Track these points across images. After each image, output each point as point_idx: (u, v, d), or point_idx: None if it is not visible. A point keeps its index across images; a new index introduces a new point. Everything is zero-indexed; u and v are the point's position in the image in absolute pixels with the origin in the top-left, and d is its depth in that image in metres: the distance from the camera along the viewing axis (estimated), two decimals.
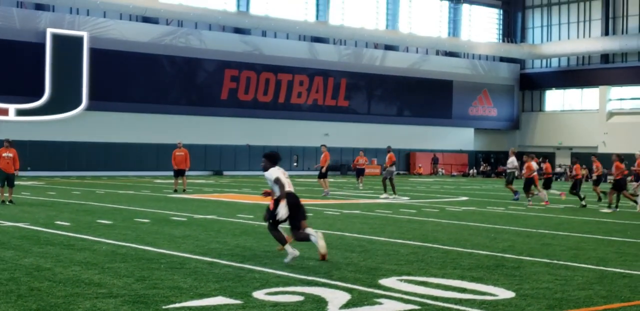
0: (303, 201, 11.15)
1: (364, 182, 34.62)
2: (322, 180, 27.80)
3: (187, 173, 28.88)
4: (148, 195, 26.49)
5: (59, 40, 43.70)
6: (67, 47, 43.87)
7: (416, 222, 17.58)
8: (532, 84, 64.13)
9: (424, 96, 58.81)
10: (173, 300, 7.77)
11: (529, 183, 24.32)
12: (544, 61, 63.95)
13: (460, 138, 61.63)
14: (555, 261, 11.13)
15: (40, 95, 43.36)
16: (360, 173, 34.18)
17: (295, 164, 51.87)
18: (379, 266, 10.35)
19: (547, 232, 15.69)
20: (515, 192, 26.24)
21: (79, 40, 44.35)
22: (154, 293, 8.08)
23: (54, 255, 10.88)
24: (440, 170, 59.22)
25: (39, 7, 44.59)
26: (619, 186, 22.09)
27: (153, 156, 46.16)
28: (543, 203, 24.17)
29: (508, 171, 27.51)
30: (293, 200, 10.63)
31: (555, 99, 63.86)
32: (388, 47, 57.76)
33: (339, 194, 27.81)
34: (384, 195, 26.80)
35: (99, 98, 44.71)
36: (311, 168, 49.00)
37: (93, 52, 44.57)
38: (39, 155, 42.55)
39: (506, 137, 64.83)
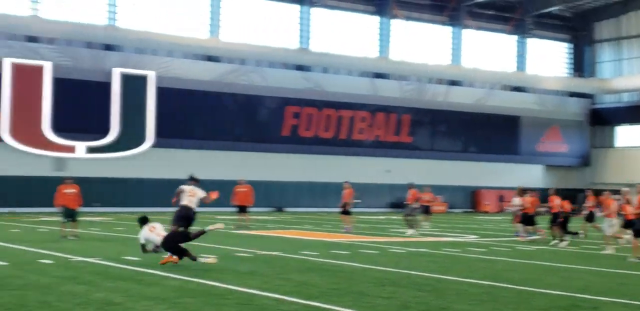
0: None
1: (431, 220, 33.96)
2: (345, 216, 27.49)
3: (248, 209, 28.99)
4: (213, 231, 26.58)
5: (126, 79, 44.85)
6: (134, 85, 44.98)
7: (486, 260, 17.23)
8: (602, 120, 62.77)
9: (490, 132, 58.16)
10: None
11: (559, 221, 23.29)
12: (615, 96, 62.69)
13: (529, 175, 60.37)
14: (634, 302, 10.74)
15: (108, 132, 44.40)
16: (425, 210, 33.38)
17: (357, 201, 51.53)
18: (450, 306, 10.14)
19: (621, 271, 15.20)
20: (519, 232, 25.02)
21: (145, 79, 45.46)
22: None
23: (124, 290, 11.02)
24: (509, 208, 57.93)
25: (108, 47, 45.91)
26: None
27: (225, 192, 46.44)
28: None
29: (513, 210, 26.52)
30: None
31: (627, 135, 62.34)
32: (452, 82, 57.54)
33: (401, 232, 27.49)
34: (410, 232, 26.35)
35: (164, 136, 45.54)
36: (372, 205, 48.69)
37: (159, 90, 45.58)
38: (106, 191, 43.35)
39: (577, 174, 63.29)
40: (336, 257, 16.70)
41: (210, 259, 14.93)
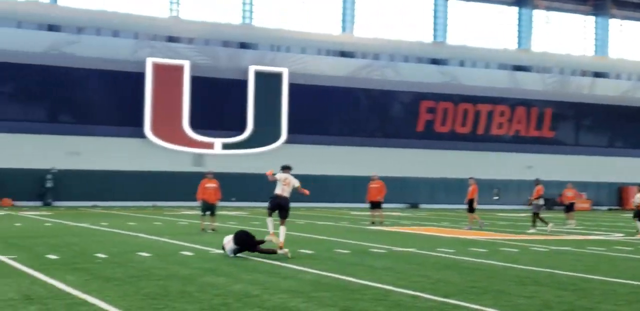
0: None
1: (574, 218, 32.50)
2: (471, 214, 26.53)
3: (382, 205, 28.74)
4: (347, 226, 26.65)
5: (261, 76, 45.74)
6: (268, 83, 45.80)
7: (634, 259, 16.25)
8: None
9: (638, 125, 55.28)
10: None
11: None
12: None
13: None
14: None
15: (243, 129, 45.41)
16: (569, 208, 31.77)
17: (496, 198, 50.42)
18: (595, 306, 9.54)
19: None
20: None
21: (279, 76, 46.19)
22: None
23: (261, 283, 11.05)
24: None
25: (243, 45, 46.96)
26: None
27: (349, 188, 46.66)
28: None
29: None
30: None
31: None
32: (597, 74, 55.07)
33: (542, 230, 26.47)
34: (531, 230, 25.13)
35: (297, 132, 46.09)
36: (512, 203, 47.36)
37: (292, 87, 46.19)
38: (242, 186, 44.37)
39: None
40: (474, 255, 16.20)
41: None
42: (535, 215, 25.61)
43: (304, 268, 12.98)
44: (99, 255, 14.69)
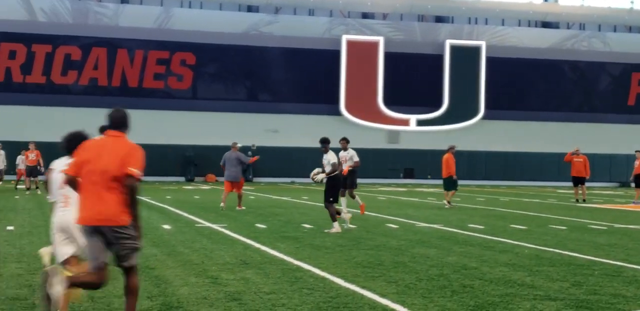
0: None
1: None
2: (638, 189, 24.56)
3: (587, 183, 26.89)
4: (555, 203, 25.24)
5: (457, 50, 44.49)
6: (465, 57, 44.48)
7: None
8: None
9: None
10: (620, 307, 7.15)
11: None
12: None
13: None
14: None
15: (439, 105, 44.48)
16: None
17: None
18: None
19: None
20: None
21: (476, 50, 44.72)
22: (595, 298, 7.47)
23: (476, 255, 10.62)
24: None
25: (439, 19, 45.90)
26: None
27: (554, 165, 44.42)
28: None
29: None
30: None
31: None
32: None
33: None
34: None
35: (495, 107, 44.49)
36: None
37: (490, 60, 44.57)
38: (438, 163, 43.42)
39: None
40: None
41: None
42: None
43: (520, 242, 12.44)
44: (305, 225, 14.68)
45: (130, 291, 5.67)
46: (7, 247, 10.58)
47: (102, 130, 7.27)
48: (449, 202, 21.48)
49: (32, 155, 26.73)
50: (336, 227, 13.40)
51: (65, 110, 39.41)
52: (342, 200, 15.29)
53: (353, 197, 16.24)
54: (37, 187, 26.62)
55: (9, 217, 15.64)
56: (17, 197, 23.01)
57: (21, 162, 27.65)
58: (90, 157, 5.65)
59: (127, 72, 42.10)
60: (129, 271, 5.65)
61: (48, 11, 41.27)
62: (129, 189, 5.62)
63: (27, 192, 25.44)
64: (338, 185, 13.98)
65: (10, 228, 13.24)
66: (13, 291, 7.34)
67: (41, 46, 40.70)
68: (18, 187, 27.75)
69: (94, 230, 5.57)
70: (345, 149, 15.77)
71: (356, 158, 15.70)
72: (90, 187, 5.61)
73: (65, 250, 6.19)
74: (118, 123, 5.84)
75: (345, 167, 15.22)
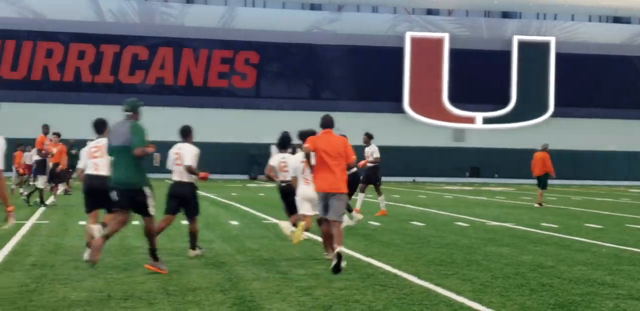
0: None
1: None
2: None
3: None
4: (629, 203, 24.56)
5: (525, 46, 43.63)
6: (533, 53, 43.57)
7: None
8: None
9: None
10: None
11: None
12: None
13: None
14: None
15: (506, 103, 43.69)
16: None
17: None
18: None
19: None
20: None
21: (545, 46, 43.78)
22: None
23: (552, 254, 10.34)
24: None
25: (505, 15, 45.09)
26: None
27: (625, 164, 43.19)
28: None
29: None
30: None
31: None
32: None
33: None
34: None
35: (565, 105, 43.48)
36: None
37: (559, 57, 43.56)
38: (505, 162, 42.77)
39: None
40: None
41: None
42: None
43: (597, 241, 12.04)
44: (373, 223, 14.47)
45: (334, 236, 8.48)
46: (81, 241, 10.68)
47: (185, 131, 9.44)
48: (540, 203, 20.75)
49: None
50: (347, 221, 12.93)
51: None
52: (360, 196, 15.39)
53: (380, 193, 16.01)
54: None
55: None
56: None
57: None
58: (324, 145, 8.82)
59: (192, 71, 42.54)
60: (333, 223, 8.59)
61: (116, 12, 41.99)
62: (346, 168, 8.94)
63: None
64: (357, 180, 14.06)
65: (82, 222, 13.41)
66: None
67: (109, 46, 41.43)
68: None
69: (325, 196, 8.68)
70: (367, 144, 15.62)
71: (377, 154, 15.56)
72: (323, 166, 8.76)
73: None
74: (329, 123, 9.33)
75: (362, 162, 15.10)
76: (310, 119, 44.68)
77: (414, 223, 14.67)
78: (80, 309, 6.20)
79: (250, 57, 43.17)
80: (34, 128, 19.29)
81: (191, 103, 41.50)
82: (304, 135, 9.70)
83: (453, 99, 43.45)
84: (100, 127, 9.64)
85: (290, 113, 42.65)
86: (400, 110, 43.71)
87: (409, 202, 21.41)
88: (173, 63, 42.18)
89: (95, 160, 9.23)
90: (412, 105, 43.72)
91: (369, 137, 15.62)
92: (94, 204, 9.13)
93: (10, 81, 40.46)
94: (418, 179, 42.18)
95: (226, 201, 20.93)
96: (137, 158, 7.91)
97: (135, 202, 7.95)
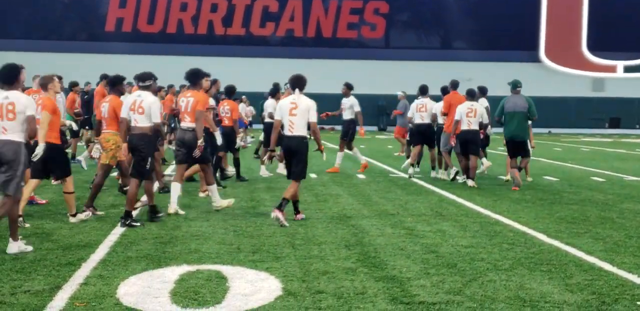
0: None
1: None
2: None
3: None
4: None
5: None
6: None
7: None
8: None
9: None
10: None
11: None
12: None
13: None
14: None
15: None
16: None
17: None
18: None
19: None
20: None
21: None
22: None
23: None
24: None
25: None
26: None
27: None
28: None
29: None
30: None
31: None
32: None
33: None
34: None
35: None
36: None
37: None
38: None
39: None
40: None
41: None
42: None
43: None
44: (502, 177, 14.04)
45: None
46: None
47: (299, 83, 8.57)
48: None
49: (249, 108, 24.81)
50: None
51: (263, 61, 40.51)
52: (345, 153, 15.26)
53: (351, 149, 14.91)
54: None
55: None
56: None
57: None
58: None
59: (321, 22, 42.48)
60: None
61: None
62: None
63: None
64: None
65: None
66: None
67: None
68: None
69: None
70: (347, 96, 14.55)
71: (357, 108, 14.40)
72: None
73: None
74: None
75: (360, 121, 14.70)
76: (441, 69, 44.22)
77: (547, 177, 14.21)
78: (211, 261, 6.42)
79: (380, 6, 42.59)
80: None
81: (320, 54, 41.56)
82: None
83: (593, 47, 41.39)
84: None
85: (420, 64, 42.00)
86: (536, 59, 42.12)
87: (543, 155, 20.70)
88: (302, 14, 42.25)
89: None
90: (549, 54, 42.03)
91: (348, 88, 14.46)
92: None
93: (147, 34, 41.77)
94: (554, 131, 40.74)
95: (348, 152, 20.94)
96: None
97: None
